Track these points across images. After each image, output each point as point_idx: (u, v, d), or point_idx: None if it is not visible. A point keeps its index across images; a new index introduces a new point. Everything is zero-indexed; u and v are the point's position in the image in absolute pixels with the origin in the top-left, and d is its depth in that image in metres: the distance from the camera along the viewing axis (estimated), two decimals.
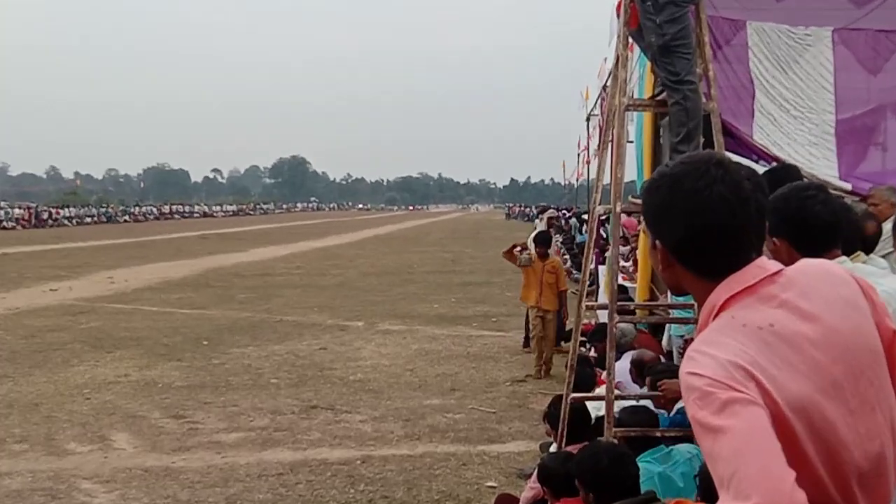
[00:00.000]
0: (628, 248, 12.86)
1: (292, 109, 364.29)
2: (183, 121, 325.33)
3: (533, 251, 9.72)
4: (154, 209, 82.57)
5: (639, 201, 4.60)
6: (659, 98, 4.57)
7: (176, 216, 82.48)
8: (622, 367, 5.62)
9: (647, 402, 4.79)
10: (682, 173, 1.50)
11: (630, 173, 9.22)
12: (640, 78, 8.17)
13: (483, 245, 34.74)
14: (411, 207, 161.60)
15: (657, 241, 1.57)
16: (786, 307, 1.45)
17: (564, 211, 40.22)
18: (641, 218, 9.33)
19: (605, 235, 12.41)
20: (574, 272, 18.57)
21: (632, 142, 9.23)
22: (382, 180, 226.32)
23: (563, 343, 9.96)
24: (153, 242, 36.75)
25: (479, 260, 26.42)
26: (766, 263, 1.51)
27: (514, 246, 9.68)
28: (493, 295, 16.64)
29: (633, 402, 4.84)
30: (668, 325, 6.94)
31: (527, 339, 10.11)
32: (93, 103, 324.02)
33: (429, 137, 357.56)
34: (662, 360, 6.32)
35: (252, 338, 11.66)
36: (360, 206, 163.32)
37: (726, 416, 1.30)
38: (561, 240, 29.45)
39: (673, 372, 4.85)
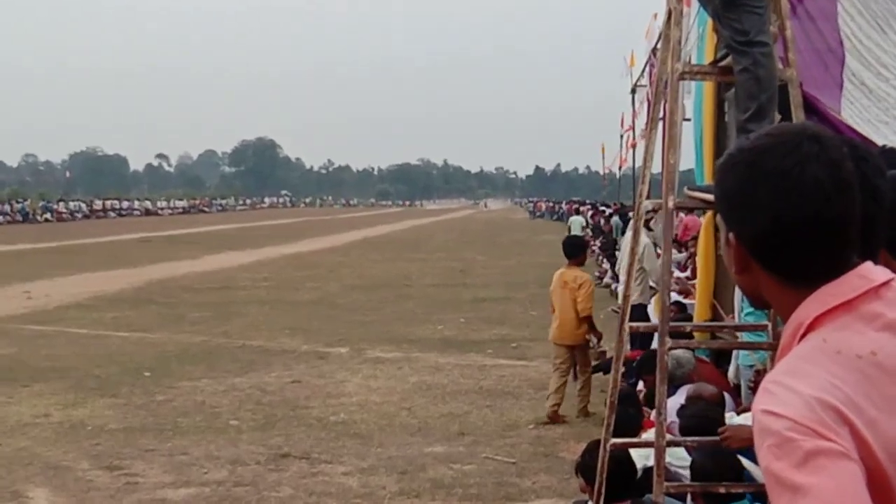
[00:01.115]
0: (685, 254, 12.86)
1: (258, 80, 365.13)
2: (119, 94, 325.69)
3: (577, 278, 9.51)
4: (83, 205, 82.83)
5: (697, 194, 4.62)
6: (722, 64, 4.58)
7: (111, 214, 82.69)
8: (676, 404, 5.62)
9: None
10: (767, 148, 1.49)
11: (687, 159, 9.25)
12: (700, 39, 8.20)
13: (501, 251, 34.76)
14: (406, 203, 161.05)
15: (731, 236, 1.56)
16: (892, 330, 1.43)
17: (604, 207, 40.31)
18: (703, 214, 9.24)
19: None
20: (615, 284, 18.53)
21: (689, 119, 9.26)
22: (372, 169, 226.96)
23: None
24: (82, 247, 36.86)
25: (495, 270, 26.44)
26: (870, 271, 1.49)
27: (592, 329, 9.37)
28: (512, 314, 16.65)
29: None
30: (735, 353, 6.94)
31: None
32: (2, 72, 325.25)
33: (431, 115, 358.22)
34: (727, 396, 6.33)
35: (207, 368, 11.69)
36: (344, 201, 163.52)
37: (809, 471, 1.29)
38: (599, 244, 29.51)
39: (707, 418, 4.85)
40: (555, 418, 8.99)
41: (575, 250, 9.76)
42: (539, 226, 61.88)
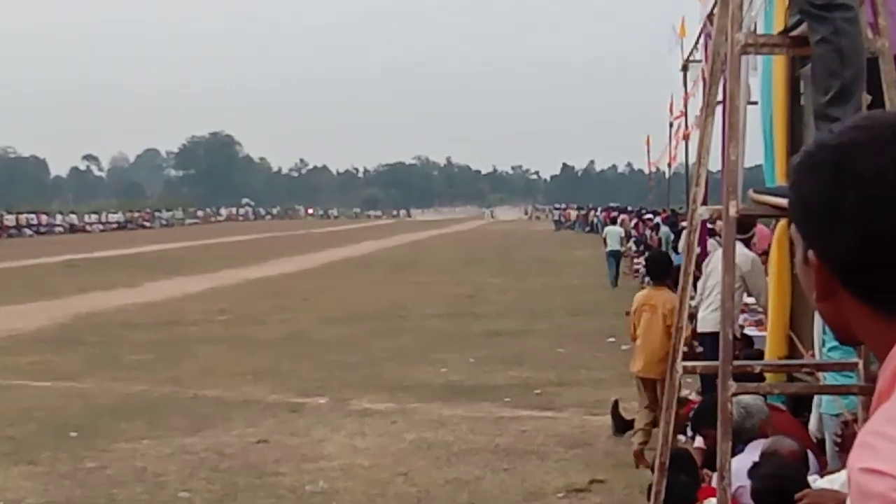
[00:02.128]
0: None
1: (211, 62, 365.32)
2: (35, 81, 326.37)
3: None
4: None
5: (767, 199, 4.62)
6: (796, 33, 4.58)
7: (27, 231, 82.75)
8: (744, 465, 5.60)
9: None
10: (855, 144, 1.48)
11: (753, 153, 9.24)
12: (767, 1, 8.21)
13: (519, 272, 34.77)
14: (389, 213, 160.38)
15: (811, 254, 1.55)
16: None
17: (649, 214, 40.32)
18: (774, 223, 9.23)
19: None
20: None
21: (755, 103, 9.27)
22: (356, 170, 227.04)
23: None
24: None
25: (512, 296, 26.45)
26: None
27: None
28: (535, 350, 16.63)
29: None
30: (816, 399, 6.92)
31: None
32: None
33: (428, 103, 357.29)
34: (810, 454, 6.31)
35: (149, 425, 11.67)
36: (322, 211, 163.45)
37: None
38: (644, 261, 29.46)
39: (787, 479, 4.83)
40: (640, 459, 9.29)
41: (661, 269, 10.22)
42: (567, 239, 61.91)
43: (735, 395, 4.37)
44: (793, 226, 1.61)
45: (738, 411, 6.15)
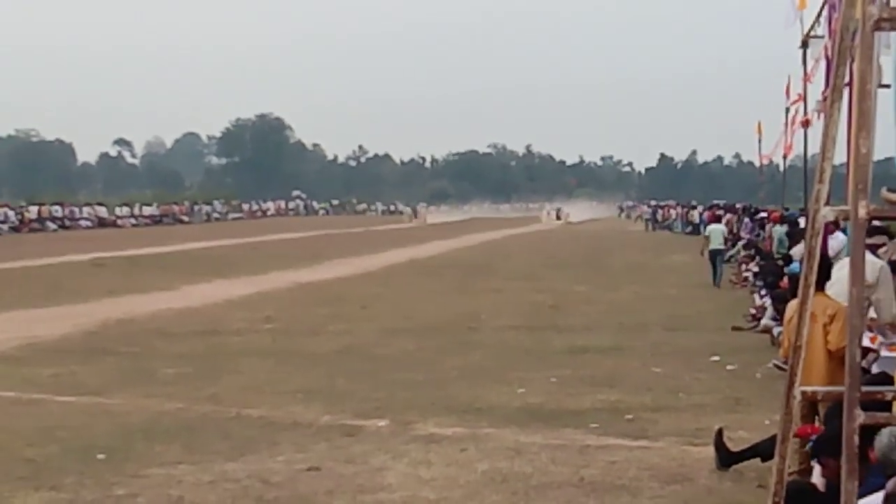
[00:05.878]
0: None
1: (258, 33, 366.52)
2: (63, 58, 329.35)
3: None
4: (10, 213, 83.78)
5: None
6: None
7: (50, 225, 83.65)
8: None
9: None
10: None
11: (883, 145, 9.11)
12: None
13: (609, 279, 34.61)
14: (423, 207, 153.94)
15: None
16: None
17: (762, 213, 39.98)
18: None
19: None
20: (775, 326, 18.32)
21: (887, 86, 9.15)
22: (423, 160, 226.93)
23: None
24: (8, 274, 37.32)
25: (600, 306, 26.38)
26: None
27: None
28: (626, 370, 16.53)
29: None
30: None
31: None
32: None
33: (506, 85, 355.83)
34: None
35: (186, 448, 11.74)
36: (384, 206, 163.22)
37: None
38: (755, 267, 29.21)
39: None
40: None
41: (820, 272, 10.14)
42: (663, 241, 61.50)
43: (863, 426, 4.30)
44: None
45: (888, 440, 6.10)
